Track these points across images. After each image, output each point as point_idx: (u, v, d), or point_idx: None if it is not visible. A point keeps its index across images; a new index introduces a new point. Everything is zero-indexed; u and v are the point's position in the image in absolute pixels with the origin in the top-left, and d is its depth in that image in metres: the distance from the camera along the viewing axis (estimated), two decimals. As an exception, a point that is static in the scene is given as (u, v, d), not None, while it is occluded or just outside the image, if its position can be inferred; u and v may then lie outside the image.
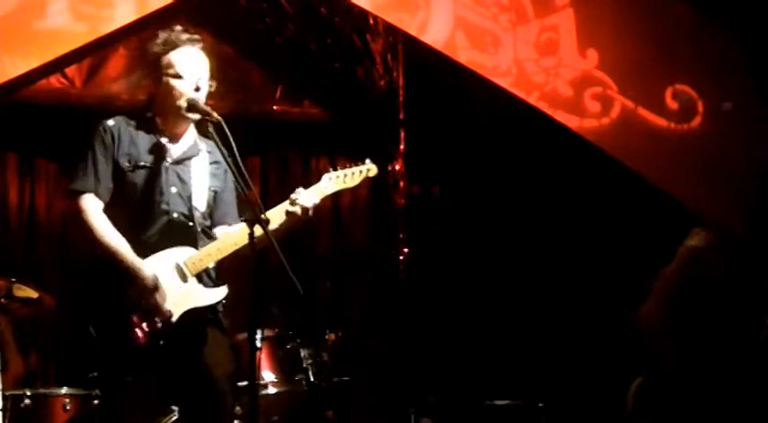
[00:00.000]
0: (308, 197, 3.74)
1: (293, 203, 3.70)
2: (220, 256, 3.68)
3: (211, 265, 3.72)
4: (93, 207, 3.66)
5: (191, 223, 3.70)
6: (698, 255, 3.66)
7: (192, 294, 3.65)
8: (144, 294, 3.56)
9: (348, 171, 3.91)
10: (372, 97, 6.40)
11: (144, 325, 3.55)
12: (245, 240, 3.59)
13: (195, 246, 3.69)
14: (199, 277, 3.68)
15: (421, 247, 6.37)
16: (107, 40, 5.82)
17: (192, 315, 3.64)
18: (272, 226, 3.52)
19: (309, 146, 6.66)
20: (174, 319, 3.59)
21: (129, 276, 3.57)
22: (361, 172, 3.95)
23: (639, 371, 3.70)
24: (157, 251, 3.65)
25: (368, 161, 4.01)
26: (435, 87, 6.44)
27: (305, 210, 3.70)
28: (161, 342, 3.56)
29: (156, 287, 3.57)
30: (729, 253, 3.62)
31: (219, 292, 3.70)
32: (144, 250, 3.63)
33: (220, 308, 3.78)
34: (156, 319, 3.56)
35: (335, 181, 3.87)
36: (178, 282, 3.64)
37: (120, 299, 3.56)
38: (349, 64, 6.36)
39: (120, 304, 3.56)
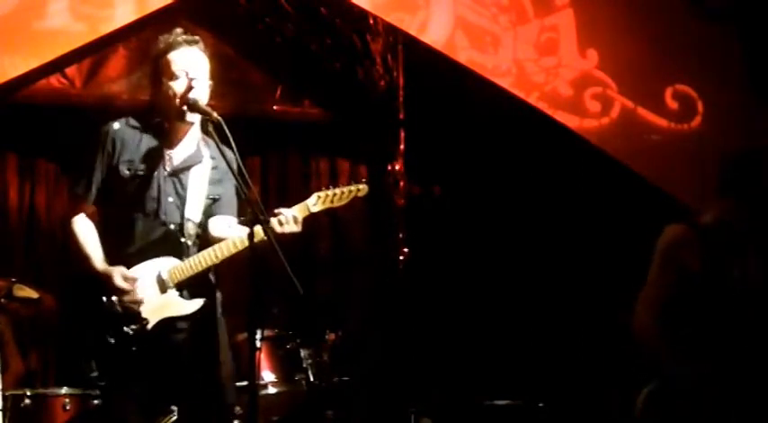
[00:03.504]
0: (291, 215, 3.72)
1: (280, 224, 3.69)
2: (201, 268, 3.72)
3: (206, 271, 3.76)
4: (81, 215, 3.75)
5: (181, 235, 3.74)
6: (673, 251, 3.65)
7: (170, 304, 3.71)
8: (119, 299, 3.63)
9: (338, 190, 3.89)
10: (372, 97, 6.40)
11: (118, 331, 3.62)
12: (226, 253, 3.69)
13: (182, 257, 3.73)
14: (180, 287, 3.72)
15: (421, 247, 6.36)
16: (107, 40, 5.83)
17: (173, 323, 3.70)
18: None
19: (309, 146, 6.66)
20: (149, 326, 3.65)
21: (102, 283, 3.64)
22: (350, 191, 3.93)
23: (649, 376, 3.69)
24: (147, 260, 3.71)
25: (363, 181, 4.00)
26: (435, 87, 6.43)
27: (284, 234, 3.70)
28: (134, 349, 3.63)
29: (127, 289, 3.63)
30: (707, 245, 3.61)
31: (195, 304, 3.74)
32: (136, 259, 3.70)
33: (219, 308, 3.82)
34: (132, 326, 3.63)
35: (324, 199, 3.86)
36: (157, 291, 3.70)
37: (101, 305, 3.64)
38: (349, 64, 6.35)
39: (100, 310, 3.64)
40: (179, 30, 3.83)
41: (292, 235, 3.73)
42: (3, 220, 6.04)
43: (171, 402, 4.39)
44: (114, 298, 3.64)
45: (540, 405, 5.62)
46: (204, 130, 3.79)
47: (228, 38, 6.22)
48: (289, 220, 3.71)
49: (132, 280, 3.66)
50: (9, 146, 6.07)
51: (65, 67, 5.93)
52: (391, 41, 6.38)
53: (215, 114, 3.59)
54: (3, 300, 4.86)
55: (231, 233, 3.77)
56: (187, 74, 3.72)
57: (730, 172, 3.71)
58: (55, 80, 5.96)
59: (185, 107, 3.69)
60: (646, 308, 3.63)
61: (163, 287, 3.70)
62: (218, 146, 3.57)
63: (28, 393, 4.75)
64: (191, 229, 3.76)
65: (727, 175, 3.72)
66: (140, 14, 5.69)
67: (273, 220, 3.67)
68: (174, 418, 4.54)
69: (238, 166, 3.47)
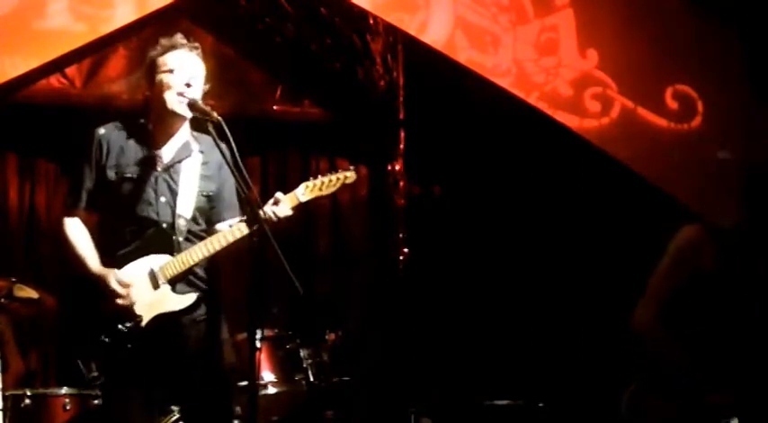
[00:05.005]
0: (282, 206, 3.75)
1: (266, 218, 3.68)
2: (192, 263, 3.73)
3: (196, 268, 3.77)
4: (71, 221, 3.78)
5: (173, 233, 3.75)
6: (690, 251, 3.66)
7: (163, 300, 3.71)
8: (111, 300, 3.64)
9: (325, 179, 3.91)
10: (372, 97, 6.40)
11: (112, 329, 3.63)
12: (217, 247, 3.70)
13: (172, 253, 3.74)
14: (172, 283, 3.73)
15: (421, 247, 6.36)
16: (107, 40, 5.83)
17: (167, 319, 3.70)
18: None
19: (309, 146, 6.66)
20: (143, 323, 3.67)
21: (98, 284, 3.66)
22: (338, 179, 3.94)
23: (633, 375, 3.70)
24: (139, 258, 3.72)
25: (351, 168, 4.01)
26: (435, 87, 6.43)
27: (276, 220, 3.71)
28: (129, 346, 3.63)
29: (121, 293, 3.65)
30: (721, 247, 3.62)
31: (188, 299, 3.75)
32: (128, 258, 3.72)
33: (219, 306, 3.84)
34: (126, 324, 3.64)
35: (312, 189, 3.88)
36: (149, 288, 3.71)
37: (95, 303, 3.66)
38: (349, 64, 6.35)
39: (94, 310, 3.66)
40: (179, 35, 3.86)
41: (289, 228, 3.74)
42: (3, 220, 6.04)
43: (171, 402, 4.39)
44: (108, 299, 3.65)
45: (540, 405, 5.62)
46: (195, 127, 3.80)
47: (228, 38, 6.22)
48: (279, 200, 3.73)
49: (126, 284, 3.67)
50: (9, 146, 6.07)
51: (65, 67, 5.93)
52: (391, 41, 6.38)
53: (215, 114, 3.58)
54: (3, 300, 4.86)
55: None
56: (184, 71, 3.74)
57: (749, 187, 3.71)
58: (55, 80, 5.97)
59: (184, 102, 3.68)
60: (647, 301, 3.64)
61: (155, 283, 3.71)
62: (215, 142, 3.56)
63: (28, 393, 4.75)
64: (182, 225, 3.76)
65: (747, 190, 3.71)
66: (140, 14, 5.70)
67: (267, 205, 3.70)
68: (174, 418, 4.54)
69: (237, 165, 3.46)
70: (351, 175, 3.98)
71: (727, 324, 3.60)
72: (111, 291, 3.65)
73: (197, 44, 3.86)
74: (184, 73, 3.73)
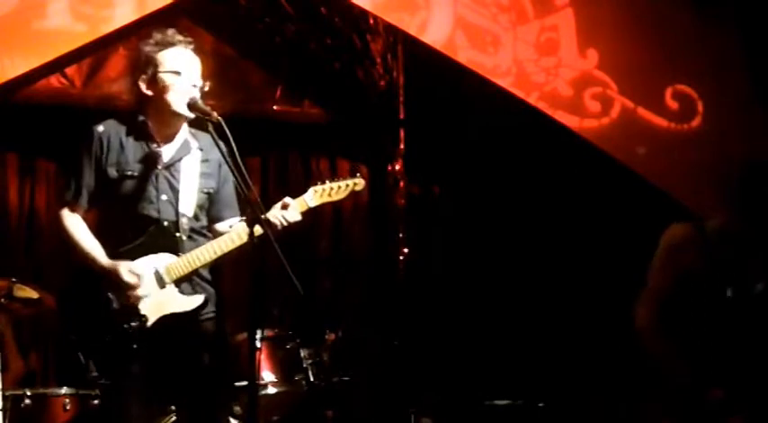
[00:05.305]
0: (292, 211, 3.75)
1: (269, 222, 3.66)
2: (199, 264, 3.72)
3: (201, 269, 3.76)
4: (71, 215, 3.75)
5: (176, 231, 3.73)
6: (676, 249, 3.66)
7: (169, 301, 3.70)
8: (121, 293, 3.63)
9: (335, 184, 3.91)
10: (372, 97, 6.40)
11: (117, 328, 3.62)
12: (224, 249, 3.70)
13: (177, 252, 3.72)
14: (178, 284, 3.71)
15: (421, 247, 6.36)
16: (107, 40, 5.82)
17: (173, 320, 3.68)
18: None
19: (309, 146, 6.66)
20: (149, 323, 3.65)
21: (107, 278, 3.64)
22: (347, 185, 3.93)
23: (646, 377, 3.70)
24: (142, 256, 3.70)
25: (358, 175, 4.02)
26: (435, 87, 6.43)
27: (286, 224, 3.71)
28: (134, 346, 3.62)
29: (133, 286, 3.63)
30: (708, 245, 3.62)
31: (195, 300, 3.74)
32: (131, 256, 3.70)
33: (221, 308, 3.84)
34: (132, 323, 3.62)
35: (320, 194, 3.87)
36: (156, 287, 3.69)
37: (100, 302, 3.64)
38: (349, 64, 6.35)
39: (99, 307, 3.64)
40: (172, 30, 3.84)
41: (294, 231, 3.74)
42: (3, 220, 6.03)
43: (171, 402, 4.39)
44: (111, 295, 3.64)
45: (540, 405, 5.62)
46: (192, 124, 3.80)
47: (228, 38, 6.22)
48: (288, 204, 3.72)
49: (137, 275, 3.65)
50: (9, 146, 6.06)
51: (65, 67, 5.93)
52: (391, 41, 6.38)
53: (215, 114, 3.58)
54: (3, 300, 4.85)
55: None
56: (188, 71, 3.73)
57: (740, 184, 3.71)
58: (55, 80, 5.96)
59: (186, 104, 3.67)
60: (647, 304, 3.64)
61: (161, 283, 3.70)
62: (215, 142, 3.55)
63: (28, 393, 4.74)
64: (185, 223, 3.76)
65: (738, 187, 3.71)
66: (140, 14, 5.69)
67: (275, 209, 3.68)
68: (174, 418, 4.54)
69: (238, 166, 3.46)
70: (360, 183, 3.97)
71: (721, 322, 3.60)
72: (125, 283, 3.63)
73: (191, 39, 3.84)
74: (188, 74, 3.72)
